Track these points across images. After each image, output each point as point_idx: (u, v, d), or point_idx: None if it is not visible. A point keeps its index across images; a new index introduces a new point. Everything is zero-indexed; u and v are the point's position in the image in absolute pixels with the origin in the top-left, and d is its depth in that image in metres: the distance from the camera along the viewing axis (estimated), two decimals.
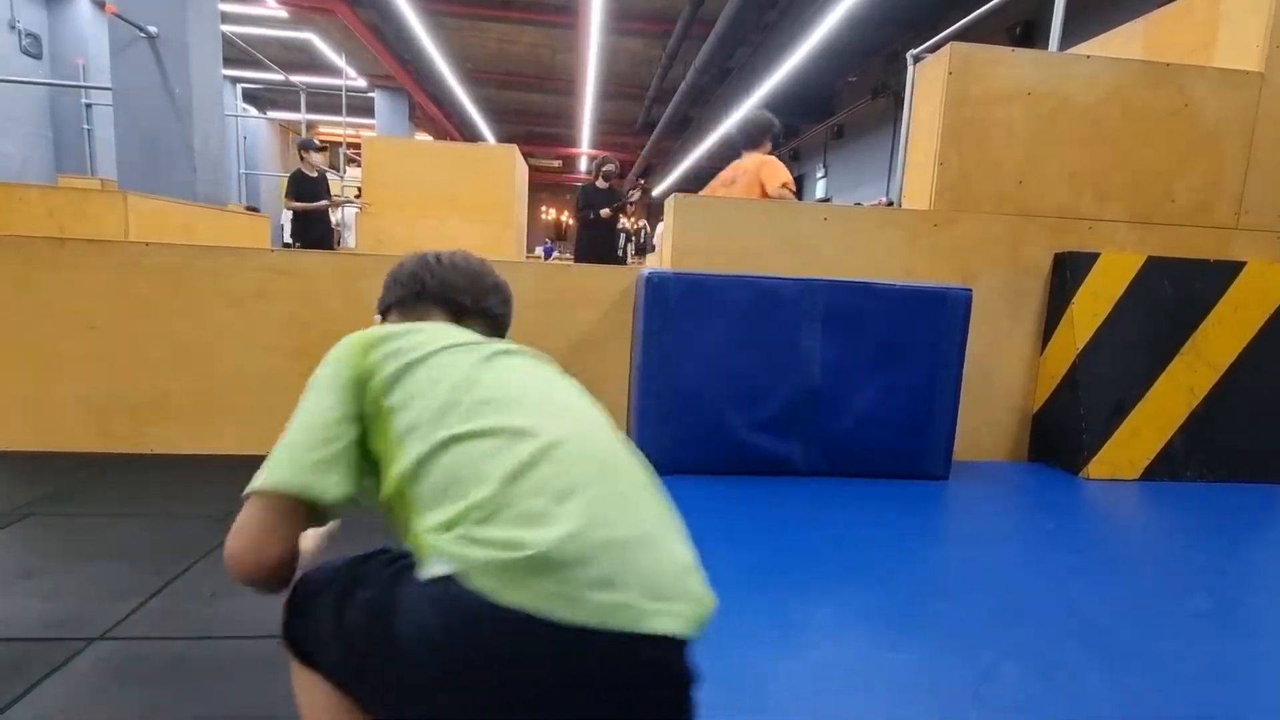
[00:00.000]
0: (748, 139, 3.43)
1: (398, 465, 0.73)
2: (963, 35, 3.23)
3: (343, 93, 8.89)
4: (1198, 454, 2.69)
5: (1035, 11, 6.99)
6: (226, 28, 5.71)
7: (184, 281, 2.46)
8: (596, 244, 5.88)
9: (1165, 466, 2.68)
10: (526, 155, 7.06)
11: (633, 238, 11.69)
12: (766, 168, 3.25)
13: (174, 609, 1.41)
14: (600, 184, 5.82)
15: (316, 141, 6.00)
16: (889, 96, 10.38)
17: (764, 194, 3.19)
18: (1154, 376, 2.70)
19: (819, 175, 14.21)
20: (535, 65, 13.24)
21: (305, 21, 10.95)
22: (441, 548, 0.65)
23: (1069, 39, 3.16)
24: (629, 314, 2.70)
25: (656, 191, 22.45)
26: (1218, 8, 2.95)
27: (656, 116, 14.49)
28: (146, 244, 2.45)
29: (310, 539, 0.92)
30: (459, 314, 0.98)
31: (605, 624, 0.62)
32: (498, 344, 0.87)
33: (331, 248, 6.52)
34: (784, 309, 2.43)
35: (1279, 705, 1.23)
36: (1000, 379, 2.90)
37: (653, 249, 11.51)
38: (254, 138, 14.93)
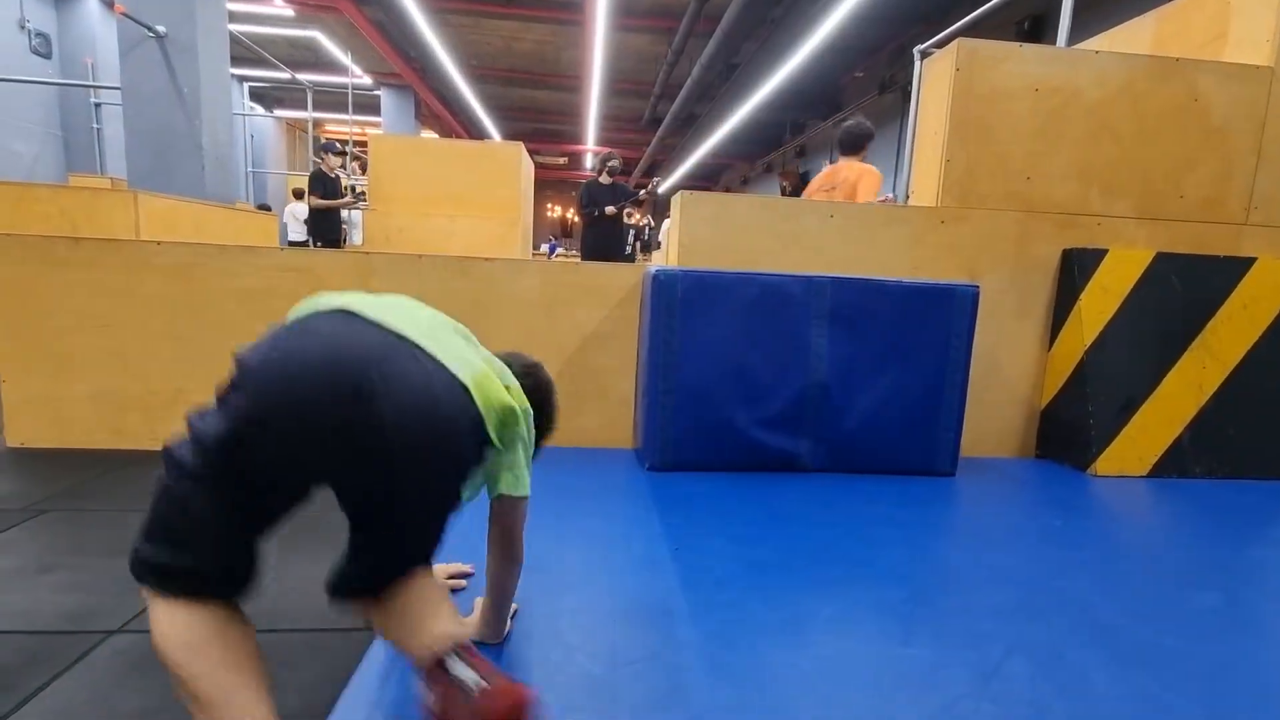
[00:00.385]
0: (850, 145, 3.52)
1: None
2: (970, 31, 3.22)
3: (349, 90, 8.91)
4: (1207, 451, 2.68)
5: (1043, 6, 6.94)
6: (233, 26, 5.73)
7: (195, 280, 2.49)
8: (602, 241, 5.87)
9: (1174, 463, 2.67)
10: (532, 152, 7.06)
11: (640, 235, 11.67)
12: (865, 179, 3.33)
13: None
14: (604, 179, 5.81)
15: (338, 145, 6.41)
16: (896, 92, 10.33)
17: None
18: (1163, 373, 2.69)
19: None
20: (541, 62, 13.23)
21: (311, 20, 10.98)
22: None
23: (1077, 34, 3.14)
24: (635, 311, 2.71)
25: (662, 188, 22.42)
26: (1228, 2, 2.93)
27: (662, 113, 14.46)
28: (158, 243, 2.47)
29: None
30: None
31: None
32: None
33: (340, 245, 6.63)
34: (791, 306, 2.43)
35: None
36: (1008, 375, 2.90)
37: (658, 246, 11.50)
38: (261, 136, 14.99)
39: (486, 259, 2.63)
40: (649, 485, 2.31)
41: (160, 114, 5.05)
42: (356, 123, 11.01)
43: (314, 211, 6.25)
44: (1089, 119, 2.75)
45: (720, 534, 1.90)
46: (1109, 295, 2.71)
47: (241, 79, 12.62)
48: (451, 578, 1.53)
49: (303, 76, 9.08)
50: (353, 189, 6.63)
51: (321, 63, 13.30)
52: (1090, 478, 2.62)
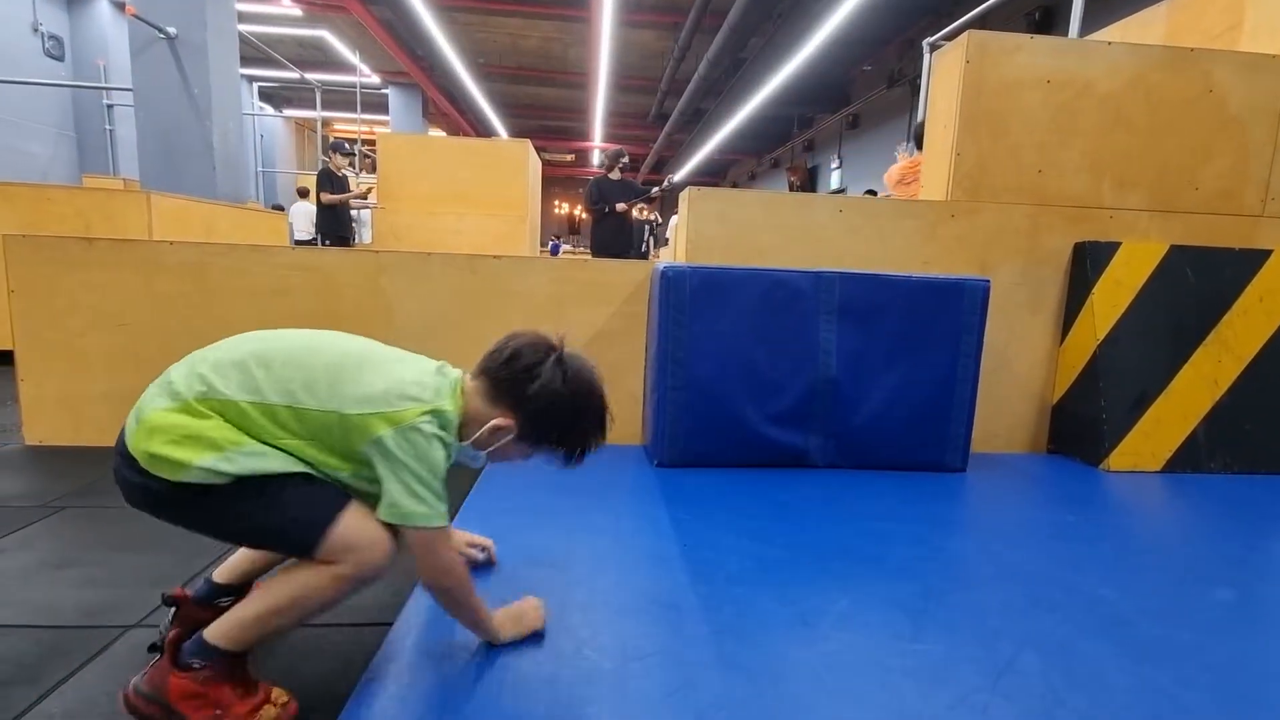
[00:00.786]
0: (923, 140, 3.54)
1: None
2: (980, 22, 3.20)
3: (357, 89, 8.95)
4: (1221, 446, 2.65)
5: None
6: (242, 27, 5.78)
7: (207, 279, 2.51)
8: (611, 237, 5.87)
9: (1188, 459, 2.65)
10: (539, 149, 7.07)
11: (654, 230, 11.68)
12: None
13: None
14: (614, 176, 5.81)
15: (346, 144, 6.44)
16: (905, 85, 10.25)
17: None
18: (1177, 367, 2.66)
19: (834, 166, 14.09)
20: (547, 59, 13.23)
21: (319, 19, 11.04)
22: None
23: (1089, 25, 3.10)
24: (644, 307, 2.71)
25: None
26: None
27: (669, 109, 14.44)
28: (171, 242, 2.50)
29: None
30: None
31: None
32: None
33: (350, 243, 6.69)
34: (800, 301, 2.43)
35: None
36: (1019, 370, 2.88)
37: (665, 242, 11.50)
38: (270, 136, 15.09)
39: (495, 256, 2.64)
40: (658, 481, 2.32)
41: (171, 114, 5.09)
42: (365, 121, 11.06)
43: (323, 209, 6.28)
44: (1101, 111, 2.72)
45: (730, 530, 1.90)
46: (1122, 289, 2.69)
47: (251, 79, 12.72)
48: (470, 546, 1.57)
49: (311, 76, 9.13)
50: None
51: (330, 62, 13.36)
52: (1103, 473, 2.60)
